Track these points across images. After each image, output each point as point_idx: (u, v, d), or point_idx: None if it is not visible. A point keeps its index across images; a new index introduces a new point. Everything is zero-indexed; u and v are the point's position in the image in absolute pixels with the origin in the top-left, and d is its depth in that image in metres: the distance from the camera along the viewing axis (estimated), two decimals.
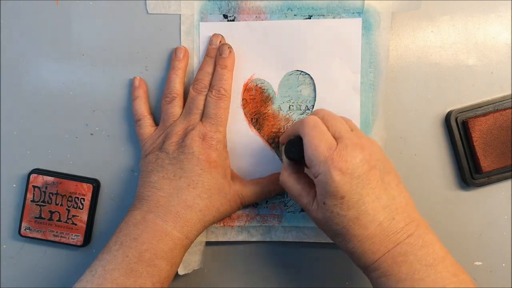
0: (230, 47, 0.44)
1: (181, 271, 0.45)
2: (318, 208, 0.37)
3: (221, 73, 0.44)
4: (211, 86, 0.44)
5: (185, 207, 0.40)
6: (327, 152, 0.35)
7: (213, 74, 0.44)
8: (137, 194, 0.42)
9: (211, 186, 0.41)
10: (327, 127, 0.37)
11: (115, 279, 0.37)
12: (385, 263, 0.35)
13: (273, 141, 0.47)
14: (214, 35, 0.45)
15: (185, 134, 0.42)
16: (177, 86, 0.45)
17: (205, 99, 0.43)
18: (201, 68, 0.45)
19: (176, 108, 0.44)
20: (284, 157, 0.41)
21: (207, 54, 0.45)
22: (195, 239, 0.42)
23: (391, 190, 0.36)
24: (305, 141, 0.37)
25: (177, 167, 0.41)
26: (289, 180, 0.40)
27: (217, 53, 0.44)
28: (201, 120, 0.43)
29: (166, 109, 0.44)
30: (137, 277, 0.37)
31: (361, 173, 0.35)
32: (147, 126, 0.45)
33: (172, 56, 0.46)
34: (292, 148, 0.39)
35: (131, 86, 0.46)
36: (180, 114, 0.44)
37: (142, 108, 0.46)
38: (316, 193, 0.37)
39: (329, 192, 0.35)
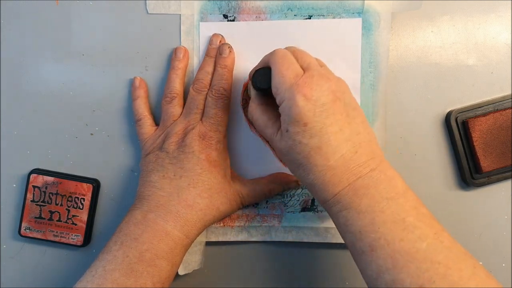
0: (230, 47, 0.44)
1: (181, 271, 0.45)
2: (281, 137, 0.36)
3: (221, 73, 0.44)
4: (211, 85, 0.44)
5: (186, 207, 0.40)
6: (293, 79, 0.35)
7: (213, 74, 0.44)
8: (137, 193, 0.42)
9: (212, 185, 0.41)
10: (296, 59, 0.37)
11: (116, 279, 0.37)
12: (346, 195, 0.35)
13: None
14: (214, 35, 0.45)
15: (185, 134, 0.42)
16: (177, 86, 0.45)
17: (205, 99, 0.44)
18: (201, 67, 0.45)
19: (176, 107, 0.44)
20: (251, 88, 0.40)
21: (207, 54, 0.45)
22: (196, 238, 0.42)
23: (355, 125, 0.36)
24: (273, 69, 0.37)
25: (177, 166, 0.41)
26: (256, 111, 0.39)
27: (217, 52, 0.44)
28: (201, 119, 0.43)
29: (166, 109, 0.44)
30: (138, 277, 0.37)
31: (326, 102, 0.34)
32: (147, 126, 0.45)
33: (172, 56, 0.46)
34: (259, 77, 0.38)
35: (131, 86, 0.46)
36: (180, 114, 0.44)
37: (142, 108, 0.46)
38: (281, 122, 0.36)
39: (292, 118, 0.35)
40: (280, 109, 0.36)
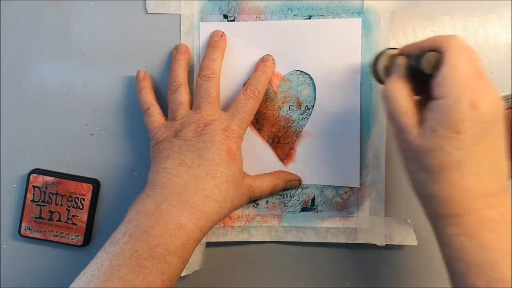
0: (273, 59, 0.45)
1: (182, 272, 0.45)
2: (423, 133, 0.33)
3: (260, 76, 0.43)
4: (246, 84, 0.43)
5: (203, 197, 0.38)
6: (468, 78, 0.31)
7: (218, 61, 0.44)
8: (148, 180, 0.40)
9: (229, 177, 0.40)
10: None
11: (123, 275, 0.35)
12: (470, 222, 0.32)
13: (273, 141, 0.47)
14: (215, 30, 0.45)
15: (206, 124, 0.41)
16: (181, 74, 0.44)
17: (215, 87, 0.43)
18: (204, 57, 0.44)
19: (183, 95, 0.43)
20: (402, 67, 0.36)
21: (209, 45, 0.45)
22: (208, 232, 0.40)
23: (500, 153, 0.33)
24: (448, 55, 0.33)
25: (195, 154, 0.40)
26: (399, 91, 0.35)
27: (260, 60, 0.45)
28: (226, 112, 0.42)
29: (173, 98, 0.43)
30: (147, 274, 0.35)
31: (489, 120, 0.31)
32: (156, 114, 0.44)
33: (173, 52, 0.45)
34: (428, 61, 0.34)
35: (135, 80, 0.46)
36: (189, 102, 0.43)
37: (149, 97, 0.45)
38: (426, 117, 0.33)
39: (447, 120, 0.31)
40: (435, 104, 0.33)
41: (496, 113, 0.32)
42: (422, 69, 0.34)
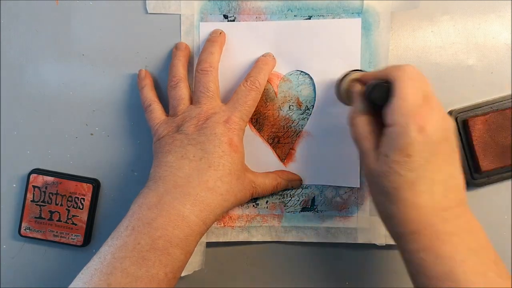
0: (273, 57, 0.45)
1: (182, 273, 0.45)
2: (377, 159, 0.35)
3: (261, 67, 0.43)
4: (247, 76, 0.43)
5: (206, 190, 0.38)
6: (414, 106, 0.33)
7: (217, 54, 0.44)
8: (150, 175, 0.40)
9: (232, 170, 0.40)
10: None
11: (126, 268, 0.35)
12: (427, 237, 0.34)
13: (273, 141, 0.47)
14: (215, 29, 0.45)
15: (207, 117, 0.41)
16: (181, 69, 0.44)
17: (213, 80, 0.43)
18: (203, 50, 0.44)
19: (183, 90, 0.43)
20: (360, 96, 0.38)
21: (208, 40, 0.45)
22: (211, 225, 0.40)
23: (453, 168, 0.35)
24: (396, 85, 0.35)
25: (197, 148, 0.39)
26: (360, 119, 0.38)
27: (262, 56, 0.45)
28: (226, 104, 0.42)
29: (173, 94, 0.43)
30: (150, 266, 0.35)
31: (436, 140, 0.33)
32: (158, 110, 0.44)
33: (173, 50, 0.45)
34: (379, 92, 0.36)
35: (137, 78, 0.46)
36: (189, 97, 0.43)
37: (151, 94, 0.45)
38: (381, 143, 0.35)
39: (397, 146, 0.33)
40: (387, 132, 0.35)
41: (444, 132, 0.34)
42: (372, 100, 0.37)
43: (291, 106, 0.46)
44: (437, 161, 0.34)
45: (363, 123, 0.38)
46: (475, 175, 0.46)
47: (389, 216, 0.35)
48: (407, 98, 0.34)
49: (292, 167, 0.47)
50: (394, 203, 0.35)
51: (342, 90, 0.43)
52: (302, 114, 0.46)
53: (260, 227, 0.47)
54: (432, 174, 0.34)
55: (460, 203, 0.35)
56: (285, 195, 0.47)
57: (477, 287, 0.32)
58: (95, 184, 0.46)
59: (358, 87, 0.40)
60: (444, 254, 0.33)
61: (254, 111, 0.43)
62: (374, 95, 0.36)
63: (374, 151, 0.36)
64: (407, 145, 0.33)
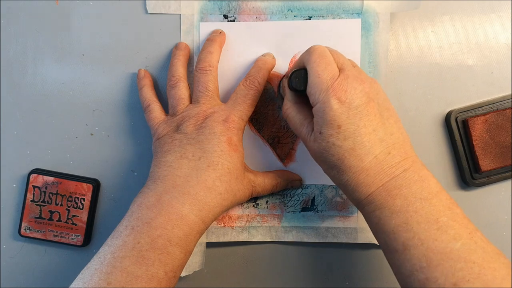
0: (273, 56, 0.45)
1: (182, 273, 0.45)
2: (315, 138, 0.37)
3: (260, 67, 0.43)
4: (246, 75, 0.43)
5: (205, 189, 0.38)
6: (329, 80, 0.35)
7: (216, 53, 0.44)
8: (150, 174, 0.40)
9: (231, 169, 0.40)
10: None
11: (126, 267, 0.35)
12: (380, 196, 0.35)
13: (273, 141, 0.47)
14: (215, 29, 0.45)
15: (206, 117, 0.41)
16: (180, 69, 0.44)
17: (213, 80, 0.43)
18: (202, 49, 0.44)
19: (182, 90, 0.43)
20: (287, 88, 0.40)
21: (207, 39, 0.45)
22: (210, 224, 0.40)
23: (389, 125, 0.36)
24: (309, 68, 0.37)
25: (196, 147, 0.40)
26: (291, 110, 0.40)
27: (260, 56, 0.45)
28: (226, 104, 0.42)
29: (172, 94, 0.43)
30: (149, 265, 0.35)
31: (360, 104, 0.35)
32: (157, 110, 0.44)
33: (173, 50, 0.45)
34: (296, 78, 0.38)
35: (136, 78, 0.46)
36: (188, 96, 0.43)
37: (150, 94, 0.45)
38: (314, 124, 0.37)
39: (326, 120, 0.35)
40: (314, 111, 0.36)
41: (365, 95, 0.35)
42: (293, 87, 0.39)
43: None
44: (369, 123, 0.35)
45: (295, 113, 0.40)
46: (475, 175, 0.46)
47: (344, 185, 0.37)
48: (320, 75, 0.36)
49: (292, 167, 0.47)
50: (343, 173, 0.36)
51: (281, 89, 0.44)
52: None
53: (260, 227, 0.47)
54: (367, 136, 0.35)
55: (406, 156, 0.36)
56: (285, 195, 0.47)
57: (429, 233, 0.33)
58: (95, 184, 0.46)
59: (285, 81, 0.41)
60: (397, 208, 0.34)
61: (254, 111, 0.43)
62: (294, 83, 0.39)
63: (311, 134, 0.38)
64: (334, 117, 0.35)
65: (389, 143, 0.36)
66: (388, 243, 0.35)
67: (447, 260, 0.32)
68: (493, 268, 0.32)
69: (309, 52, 0.38)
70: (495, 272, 0.32)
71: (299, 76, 0.38)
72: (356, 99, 0.35)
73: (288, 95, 0.40)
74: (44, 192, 0.46)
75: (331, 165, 0.37)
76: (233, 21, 0.46)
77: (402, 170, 0.35)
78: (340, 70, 0.36)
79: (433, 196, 0.35)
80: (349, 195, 0.37)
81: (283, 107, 0.41)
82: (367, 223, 0.38)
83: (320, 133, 0.36)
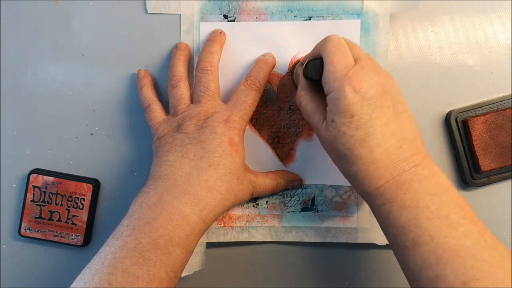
0: (273, 56, 0.45)
1: (182, 273, 0.45)
2: (327, 126, 0.37)
3: (261, 66, 0.43)
4: (247, 75, 0.43)
5: (206, 189, 0.38)
6: (344, 69, 0.35)
7: (217, 53, 0.44)
8: (150, 174, 0.40)
9: (232, 169, 0.40)
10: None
11: (127, 268, 0.35)
12: (389, 189, 0.35)
13: (273, 141, 0.47)
14: (215, 29, 0.45)
15: (207, 116, 0.41)
16: (181, 68, 0.44)
17: (214, 80, 0.43)
18: (203, 50, 0.44)
19: (183, 89, 0.43)
20: (301, 76, 0.40)
21: (208, 39, 0.45)
22: (211, 224, 0.40)
23: (402, 120, 0.36)
24: (325, 56, 0.37)
25: (197, 147, 0.39)
26: (304, 98, 0.40)
27: (260, 57, 0.45)
28: (227, 104, 0.42)
29: (173, 93, 0.43)
30: (151, 266, 0.35)
31: (374, 95, 0.35)
32: (157, 110, 0.44)
33: (173, 50, 0.45)
34: (312, 68, 0.38)
35: (136, 79, 0.46)
36: (189, 96, 0.43)
37: (150, 94, 0.45)
38: (327, 112, 0.37)
39: (339, 109, 0.35)
40: (328, 99, 0.36)
41: (379, 87, 0.35)
42: (309, 76, 0.39)
43: (291, 106, 0.46)
44: (382, 115, 0.35)
45: (308, 101, 0.39)
46: (475, 175, 0.46)
47: (352, 176, 0.37)
48: (336, 64, 0.36)
49: (292, 167, 0.47)
50: (352, 163, 0.36)
51: (295, 76, 0.45)
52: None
53: (260, 227, 0.47)
54: (379, 128, 0.35)
55: (417, 151, 0.36)
56: (285, 195, 0.47)
57: (439, 230, 0.33)
58: (95, 184, 0.46)
59: (299, 69, 0.41)
60: (407, 203, 0.34)
61: (254, 111, 0.43)
62: (310, 71, 0.39)
63: (323, 122, 0.37)
64: (347, 106, 0.35)
65: (400, 137, 0.35)
66: (397, 238, 0.35)
67: (457, 257, 0.32)
68: (504, 267, 0.32)
69: (325, 41, 0.38)
70: (505, 271, 0.31)
71: (315, 66, 0.38)
72: (371, 89, 0.35)
73: (302, 83, 0.40)
74: (44, 192, 0.46)
75: (340, 154, 0.36)
76: (233, 21, 0.46)
77: (413, 165, 0.35)
78: (356, 60, 0.36)
79: (443, 192, 0.34)
80: (357, 186, 0.37)
81: (296, 94, 0.41)
82: (375, 217, 0.37)
83: (332, 121, 0.36)
